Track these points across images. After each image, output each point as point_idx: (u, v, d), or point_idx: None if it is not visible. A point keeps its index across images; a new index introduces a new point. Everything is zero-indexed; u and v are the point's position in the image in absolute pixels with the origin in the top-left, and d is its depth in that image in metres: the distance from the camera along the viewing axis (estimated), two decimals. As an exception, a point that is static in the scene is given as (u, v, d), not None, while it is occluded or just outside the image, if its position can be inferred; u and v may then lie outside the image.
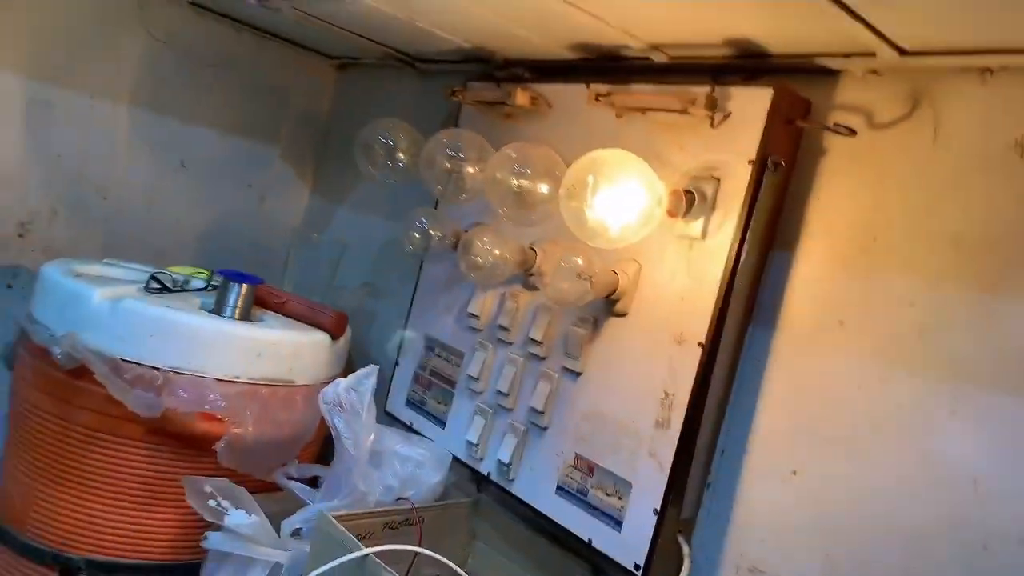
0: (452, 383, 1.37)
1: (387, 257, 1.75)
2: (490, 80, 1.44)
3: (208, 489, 1.09)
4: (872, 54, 0.89)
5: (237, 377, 1.25)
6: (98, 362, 1.17)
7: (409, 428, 1.43)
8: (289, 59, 1.91)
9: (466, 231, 1.34)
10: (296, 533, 1.13)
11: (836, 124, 0.92)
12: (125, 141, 1.72)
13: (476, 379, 1.30)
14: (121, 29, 1.67)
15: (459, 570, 1.13)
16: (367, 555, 0.98)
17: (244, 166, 1.90)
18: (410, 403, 1.45)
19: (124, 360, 1.20)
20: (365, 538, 1.07)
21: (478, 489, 1.36)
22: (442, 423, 1.37)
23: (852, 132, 0.92)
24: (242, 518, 1.06)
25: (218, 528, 1.08)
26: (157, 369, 1.20)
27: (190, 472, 1.25)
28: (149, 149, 1.76)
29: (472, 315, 1.34)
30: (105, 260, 1.52)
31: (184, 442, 1.22)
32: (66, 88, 1.62)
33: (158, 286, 1.35)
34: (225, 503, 1.08)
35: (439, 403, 1.39)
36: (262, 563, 1.07)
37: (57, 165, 1.64)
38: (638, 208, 0.92)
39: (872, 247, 0.91)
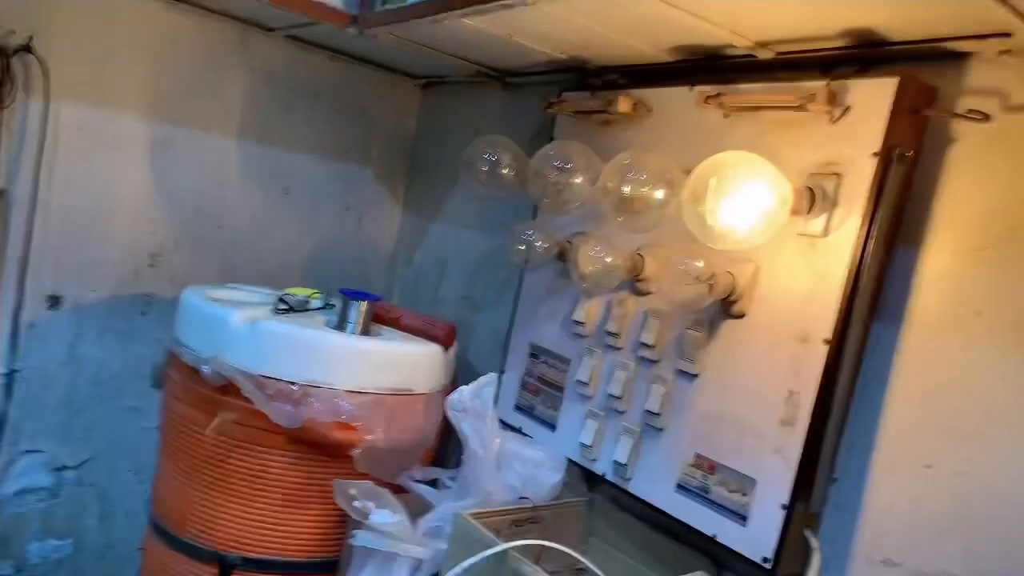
0: (560, 388, 1.39)
1: (483, 270, 1.78)
2: (584, 89, 1.44)
3: (353, 491, 1.13)
4: (1007, 34, 0.85)
5: (365, 388, 1.30)
6: (243, 379, 1.23)
7: (519, 432, 1.45)
8: (377, 82, 1.97)
9: (569, 241, 1.35)
10: (431, 531, 1.17)
11: (969, 110, 0.89)
12: (235, 173, 1.81)
13: (586, 384, 1.31)
14: (227, 67, 1.75)
15: (588, 563, 1.15)
16: (506, 549, 1.00)
17: (342, 189, 1.97)
18: (519, 408, 1.48)
19: (264, 376, 1.27)
20: (496, 535, 1.10)
21: (589, 489, 1.37)
22: (552, 427, 1.39)
23: (986, 117, 0.89)
24: (387, 517, 1.11)
25: (363, 527, 1.13)
26: (294, 384, 1.26)
27: (327, 477, 1.31)
28: (256, 179, 1.84)
29: (578, 322, 1.35)
30: (228, 284, 1.60)
31: (321, 449, 1.28)
32: (183, 126, 1.72)
33: (285, 307, 1.41)
34: (369, 503, 1.12)
35: (548, 408, 1.41)
36: (405, 559, 1.11)
37: (179, 199, 1.74)
38: (764, 209, 0.91)
39: (1010, 236, 0.88)
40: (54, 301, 1.63)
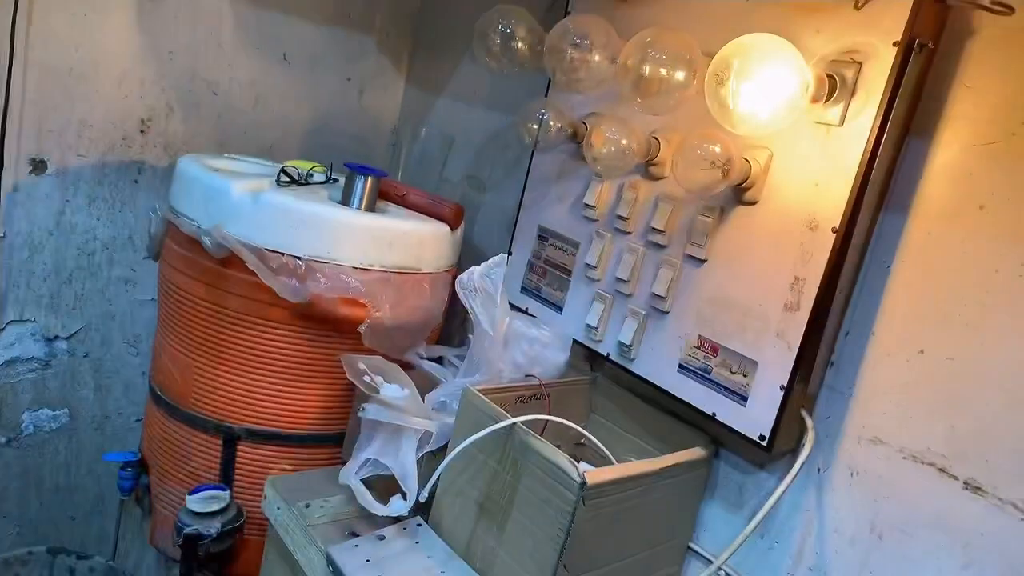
0: (568, 271, 1.48)
1: (491, 148, 1.84)
2: (604, -39, 1.46)
3: (363, 365, 1.24)
4: (1037, -74, 0.90)
5: (371, 265, 1.39)
6: (247, 252, 1.31)
7: (525, 312, 1.56)
8: (382, -58, 1.95)
9: (583, 122, 1.41)
10: (440, 406, 1.30)
11: (994, 1, 0.95)
12: (231, 35, 1.81)
13: (594, 267, 1.41)
14: (219, -83, 1.73)
15: (590, 436, 1.29)
16: (514, 423, 1.13)
17: (343, 58, 1.98)
18: (525, 290, 1.58)
19: (268, 250, 1.35)
20: (503, 410, 1.22)
21: (592, 368, 1.50)
22: (559, 308, 1.50)
23: (1009, 10, 0.95)
24: (396, 391, 1.22)
25: (372, 400, 1.24)
26: (299, 258, 1.35)
27: (331, 352, 1.42)
28: (253, 43, 1.85)
29: (588, 205, 1.43)
30: (226, 154, 1.65)
31: (327, 325, 1.38)
32: (172, -19, 1.71)
33: (287, 179, 1.47)
34: (378, 378, 1.23)
35: (555, 290, 1.51)
36: (413, 432, 1.24)
37: (171, 62, 1.75)
38: (787, 95, 0.98)
39: (1021, 131, 0.96)
40: (38, 165, 1.68)
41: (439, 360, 1.46)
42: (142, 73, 1.72)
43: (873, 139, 1.04)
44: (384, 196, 1.56)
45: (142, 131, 1.76)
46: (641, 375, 1.33)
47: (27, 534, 1.87)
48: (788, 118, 0.98)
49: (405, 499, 1.24)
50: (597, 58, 1.25)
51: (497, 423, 1.14)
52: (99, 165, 1.74)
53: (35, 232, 1.71)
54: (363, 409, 1.24)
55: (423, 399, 1.31)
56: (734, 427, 1.19)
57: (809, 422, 1.15)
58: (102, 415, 1.91)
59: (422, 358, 1.42)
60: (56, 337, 1.81)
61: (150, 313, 1.88)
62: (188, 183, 1.46)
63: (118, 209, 1.79)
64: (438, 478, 1.20)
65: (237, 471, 1.47)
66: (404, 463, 1.26)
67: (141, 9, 1.69)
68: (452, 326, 1.71)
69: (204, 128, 1.83)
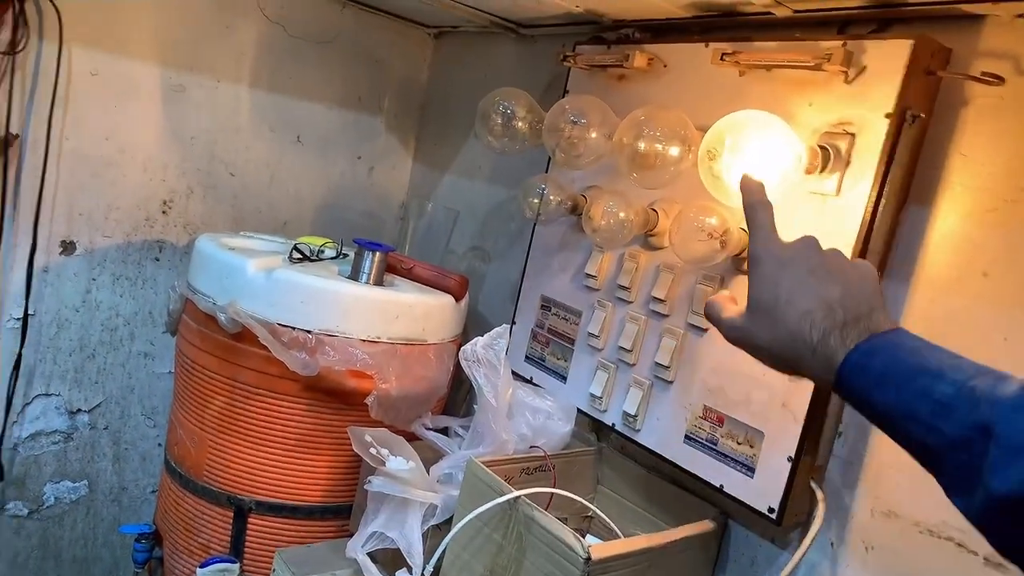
0: (571, 340, 1.42)
1: (494, 221, 1.80)
2: (599, 42, 1.44)
3: (369, 438, 1.17)
4: None
5: (378, 337, 1.33)
6: (259, 327, 1.26)
7: (530, 382, 1.49)
8: (388, 30, 1.95)
9: (583, 195, 1.36)
10: (445, 478, 1.22)
11: (982, 73, 0.90)
12: (247, 120, 1.81)
13: (596, 336, 1.34)
14: (238, 14, 1.74)
15: (596, 510, 1.20)
16: (519, 496, 1.05)
17: (353, 138, 1.97)
18: (529, 359, 1.51)
19: (280, 324, 1.29)
20: (507, 482, 1.14)
21: (598, 438, 1.41)
22: (563, 377, 1.42)
23: (999, 80, 0.90)
24: (401, 464, 1.14)
25: (378, 473, 1.17)
26: (309, 332, 1.29)
27: (340, 424, 1.35)
28: (268, 126, 1.84)
29: (589, 275, 1.37)
30: (242, 232, 1.62)
31: (336, 397, 1.32)
32: (195, 73, 1.71)
33: (299, 256, 1.43)
34: (384, 451, 1.16)
35: (558, 359, 1.44)
36: (418, 504, 1.16)
37: (191, 146, 1.74)
38: (779, 168, 0.92)
39: (1018, 198, 0.90)
40: (67, 246, 1.65)
41: (444, 431, 1.38)
42: (166, 158, 1.71)
43: (871, 208, 0.98)
44: (392, 270, 1.51)
45: (164, 212, 1.74)
46: (647, 446, 1.24)
47: (44, 606, 1.78)
48: (781, 190, 0.92)
49: (411, 573, 1.15)
50: (594, 135, 1.22)
51: (501, 496, 1.05)
52: (124, 245, 1.71)
53: (63, 310, 1.68)
54: (369, 482, 1.16)
55: (428, 471, 1.23)
56: (742, 499, 1.09)
57: (819, 494, 1.05)
58: (119, 486, 1.84)
59: (427, 429, 1.35)
60: (79, 410, 1.75)
61: (167, 385, 1.82)
62: (205, 261, 1.42)
63: (139, 286, 1.75)
64: (443, 552, 1.12)
65: (247, 543, 1.39)
66: (410, 536, 1.17)
67: (166, 98, 1.68)
68: (457, 396, 1.64)
69: (221, 207, 1.81)
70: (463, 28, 1.89)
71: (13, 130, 1.53)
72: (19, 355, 1.63)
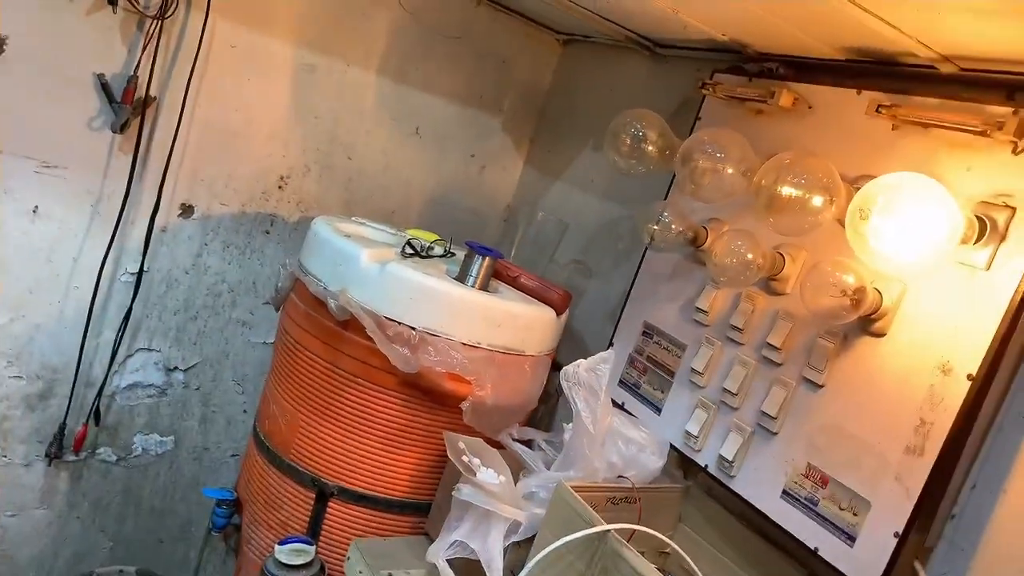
0: (671, 372, 1.43)
1: (601, 237, 1.83)
2: (739, 72, 1.45)
3: (462, 445, 1.22)
4: None
5: (479, 343, 1.38)
6: (368, 318, 1.33)
7: (622, 407, 1.51)
8: (518, 32, 2.01)
9: (704, 227, 1.38)
10: (530, 495, 1.26)
11: None
12: (371, 107, 1.89)
13: (700, 373, 1.36)
14: (375, 2, 1.82)
15: (680, 551, 1.21)
16: (609, 531, 1.08)
17: (469, 136, 2.04)
18: (623, 383, 1.53)
19: (387, 318, 1.36)
20: (593, 509, 1.17)
21: (685, 476, 1.43)
22: (658, 409, 1.44)
23: None
24: (492, 477, 1.19)
25: (467, 481, 1.22)
26: (414, 329, 1.35)
27: (431, 423, 1.41)
28: (390, 115, 1.92)
29: (700, 310, 1.39)
30: (354, 218, 1.70)
31: (432, 397, 1.37)
32: (327, 55, 1.80)
33: (411, 251, 1.50)
34: (475, 460, 1.21)
35: (655, 389, 1.46)
36: (503, 519, 1.20)
37: (314, 126, 1.84)
38: (933, 238, 0.92)
39: None
40: (186, 209, 1.77)
41: (529, 443, 1.42)
42: (288, 134, 1.81)
43: (1022, 288, 0.97)
44: (498, 276, 1.56)
45: (280, 187, 1.84)
46: (740, 493, 1.25)
47: (118, 550, 1.92)
48: (933, 262, 0.92)
49: (487, 586, 1.20)
50: (731, 171, 1.23)
51: (591, 527, 1.09)
52: (238, 214, 1.82)
53: (174, 270, 1.80)
54: (458, 490, 1.21)
55: (516, 486, 1.27)
56: (838, 567, 1.09)
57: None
58: (203, 446, 1.96)
59: (514, 439, 1.39)
60: (175, 368, 1.87)
61: (260, 355, 1.93)
62: (320, 244, 1.50)
63: (248, 256, 1.86)
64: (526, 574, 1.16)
65: (325, 527, 1.47)
66: (491, 550, 1.22)
67: (296, 77, 1.78)
68: (542, 409, 1.68)
69: (335, 189, 1.90)
70: (594, 39, 1.92)
71: (152, 93, 1.65)
72: (129, 308, 1.75)
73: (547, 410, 1.75)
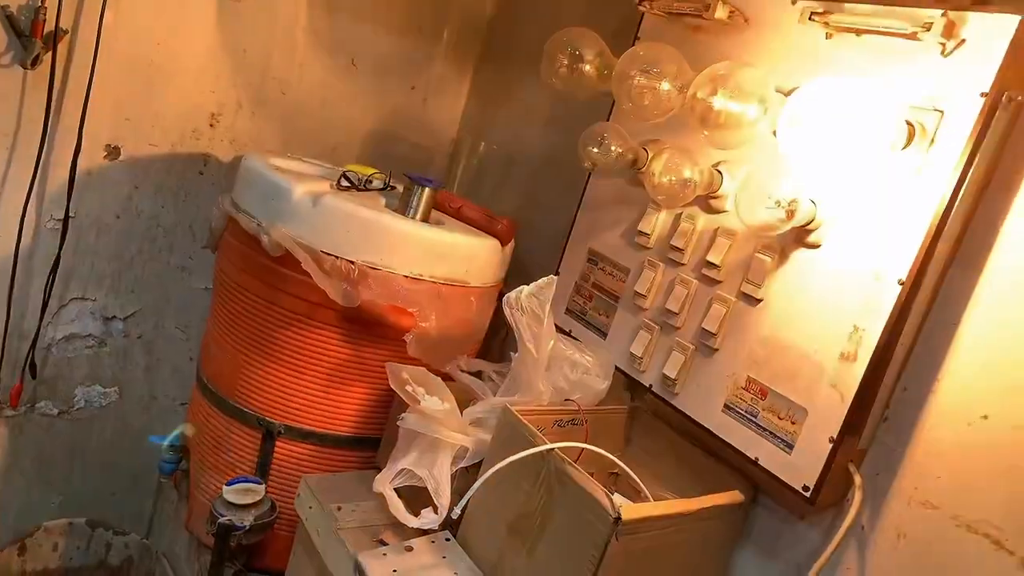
0: (616, 297, 1.44)
1: (548, 167, 1.80)
2: (677, -11, 1.42)
3: (405, 375, 1.22)
4: None
5: (422, 275, 1.37)
6: (302, 252, 1.30)
7: (568, 335, 1.51)
8: (456, -44, 1.93)
9: (645, 148, 1.36)
10: (477, 421, 1.26)
11: (1093, 61, 0.88)
12: (303, 39, 1.82)
13: (644, 296, 1.36)
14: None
15: (623, 466, 1.24)
16: (552, 449, 1.09)
17: (409, 67, 1.97)
18: (570, 312, 1.53)
19: (324, 252, 1.33)
20: (540, 432, 1.18)
21: (632, 397, 1.45)
22: (603, 334, 1.45)
23: (1110, 71, 0.88)
24: (436, 404, 1.19)
25: (412, 410, 1.22)
26: (352, 263, 1.33)
27: (375, 357, 1.40)
28: (323, 47, 1.85)
29: (642, 233, 1.38)
30: (290, 154, 1.65)
31: (374, 331, 1.36)
32: (253, -17, 1.72)
33: (347, 184, 1.46)
34: (420, 389, 1.21)
35: (600, 315, 1.47)
36: (449, 446, 1.21)
37: (243, 60, 1.76)
38: (864, 143, 0.92)
39: (1115, 197, 0.89)
40: (112, 151, 1.70)
41: (478, 374, 1.42)
42: (217, 69, 1.74)
43: (950, 192, 0.98)
44: (440, 207, 1.53)
45: (211, 125, 1.77)
46: (684, 411, 1.27)
47: (68, 505, 1.89)
48: (864, 167, 0.92)
49: (436, 513, 1.21)
50: (666, 87, 1.21)
51: (535, 447, 1.10)
52: (168, 155, 1.75)
53: (103, 215, 1.73)
54: (402, 419, 1.21)
55: (461, 413, 1.28)
56: (778, 475, 1.12)
57: (857, 478, 1.08)
58: (149, 395, 1.93)
59: (462, 371, 1.39)
60: (113, 317, 1.82)
61: (202, 301, 1.89)
62: (252, 180, 1.46)
63: (182, 198, 1.80)
64: (471, 496, 1.17)
65: (273, 467, 1.46)
66: (438, 477, 1.22)
67: (222, 7, 1.70)
68: (492, 341, 1.67)
69: (271, 126, 1.84)
70: (534, -40, 1.87)
71: (64, 25, 1.56)
72: (57, 257, 1.69)
73: (498, 342, 1.75)
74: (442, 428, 1.19)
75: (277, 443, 1.45)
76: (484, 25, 2.04)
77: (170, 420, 1.96)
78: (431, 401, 1.19)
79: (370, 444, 1.47)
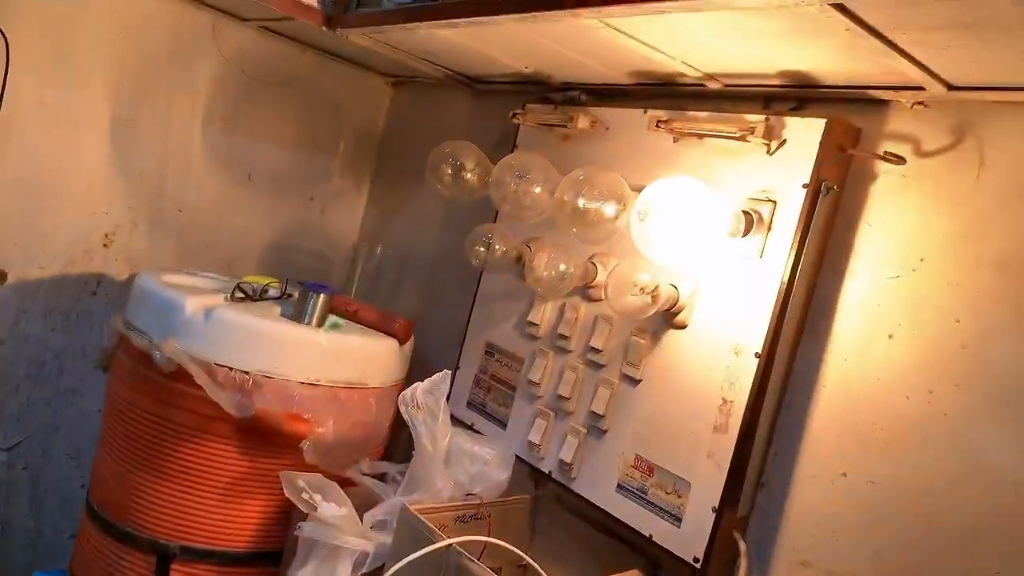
0: (512, 387, 1.47)
1: (443, 267, 1.86)
2: (547, 102, 1.54)
3: (301, 483, 1.19)
4: (921, 88, 0.97)
5: (318, 380, 1.36)
6: (194, 366, 1.28)
7: (471, 428, 1.52)
8: (347, 77, 2.03)
9: (527, 245, 1.44)
10: (378, 524, 1.24)
11: (886, 153, 1.01)
12: (199, 157, 1.84)
13: (537, 384, 1.40)
14: (196, 52, 1.79)
15: (529, 560, 1.23)
16: (450, 544, 1.08)
17: (306, 179, 2.02)
18: (471, 404, 1.55)
19: (217, 364, 1.31)
20: (441, 530, 1.17)
21: (536, 486, 1.45)
22: (503, 424, 1.47)
23: (901, 160, 1.01)
24: (333, 510, 1.16)
25: (310, 518, 1.18)
26: (247, 373, 1.31)
27: (273, 467, 1.36)
28: (219, 164, 1.88)
29: (532, 323, 1.44)
30: (186, 270, 1.64)
31: (271, 440, 1.33)
32: (148, 107, 1.75)
33: (241, 295, 1.46)
34: (316, 496, 1.18)
35: (500, 405, 1.49)
36: (350, 552, 1.18)
37: (139, 180, 1.77)
38: (704, 232, 1.01)
39: (920, 267, 1.00)
40: (-1, 277, 1.64)
41: (382, 476, 1.40)
42: (110, 190, 1.73)
43: (789, 271, 1.08)
44: (336, 312, 1.55)
45: (105, 245, 1.75)
46: (581, 494, 1.29)
47: (-58, 660, 1.70)
48: (704, 253, 1.01)
49: (339, 623, 1.16)
50: (538, 190, 1.30)
51: (432, 544, 1.08)
52: (59, 277, 1.71)
53: (-12, 341, 1.66)
54: (299, 528, 1.18)
55: (362, 517, 1.25)
56: (670, 549, 1.15)
57: (742, 545, 1.12)
58: (35, 529, 1.79)
59: (364, 474, 1.37)
60: (-4, 449, 1.71)
61: (95, 425, 1.79)
62: (144, 297, 1.44)
63: (73, 320, 1.74)
64: (372, 602, 1.13)
65: (169, 592, 1.37)
66: (339, 585, 1.18)
67: (115, 131, 1.71)
68: (399, 441, 1.66)
69: (167, 243, 1.83)
70: (420, 79, 1.98)
71: (-50, 156, 1.54)
72: (-62, 388, 1.60)
73: (405, 442, 1.73)
74: (341, 534, 1.17)
75: (173, 567, 1.37)
76: (378, 137, 2.13)
77: (58, 555, 1.82)
78: (328, 507, 1.17)
79: (272, 558, 1.41)
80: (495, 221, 1.58)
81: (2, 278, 1.65)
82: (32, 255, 1.67)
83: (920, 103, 1.02)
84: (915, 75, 0.94)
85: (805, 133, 1.08)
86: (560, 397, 1.35)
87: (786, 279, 1.07)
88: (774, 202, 1.10)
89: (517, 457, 1.40)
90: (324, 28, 1.53)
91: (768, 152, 1.10)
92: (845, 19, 0.80)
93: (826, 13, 0.80)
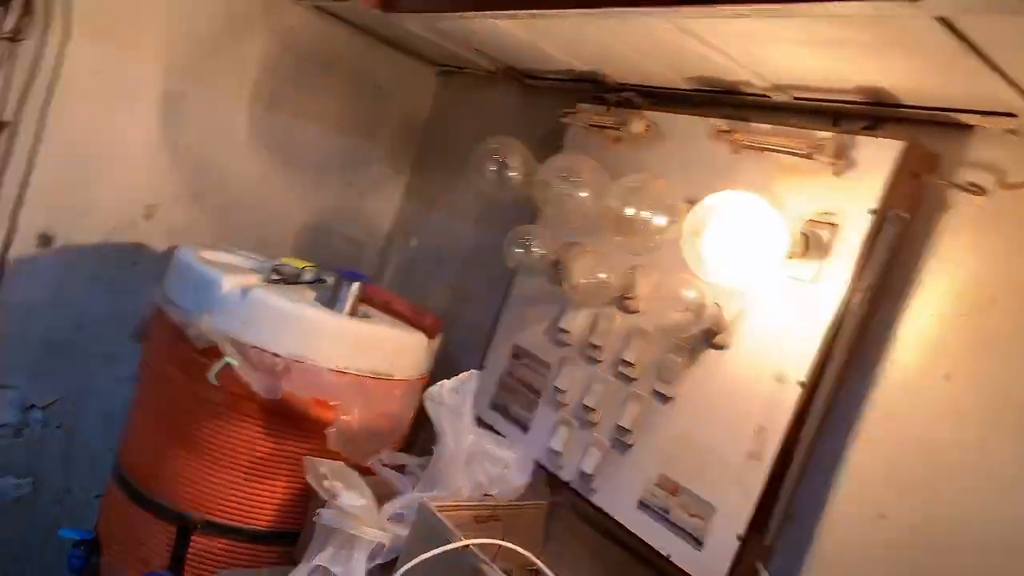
0: (538, 392, 1.42)
1: (475, 263, 1.81)
2: (599, 102, 1.47)
3: (324, 470, 1.17)
4: (1013, 114, 0.89)
5: (347, 368, 1.33)
6: (228, 345, 1.26)
7: (491, 429, 1.48)
8: (395, 64, 1.98)
9: (566, 250, 1.38)
10: (395, 517, 1.21)
11: (968, 183, 0.93)
12: (243, 135, 1.82)
13: (563, 392, 1.35)
14: (248, 28, 1.76)
15: (542, 565, 1.19)
16: (467, 546, 1.04)
17: (346, 165, 1.98)
18: (494, 406, 1.51)
19: (249, 345, 1.29)
20: (458, 528, 1.14)
21: (552, 492, 1.41)
22: (524, 428, 1.42)
23: (981, 191, 0.93)
24: (354, 499, 1.14)
25: (329, 506, 1.16)
26: (278, 356, 1.29)
27: (297, 450, 1.34)
28: (263, 143, 1.85)
29: (563, 330, 1.38)
30: (223, 247, 1.62)
31: (297, 424, 1.30)
32: (198, 83, 1.72)
33: (278, 277, 1.43)
34: (338, 484, 1.15)
35: (523, 409, 1.44)
36: (366, 542, 1.15)
37: (184, 155, 1.75)
38: (760, 252, 0.95)
39: (989, 308, 0.92)
40: (45, 240, 1.64)
41: (401, 468, 1.37)
42: (155, 162, 1.71)
43: (845, 299, 1.01)
44: (370, 302, 1.52)
45: (146, 216, 1.74)
46: (600, 507, 1.24)
47: (-31, 605, 1.73)
48: (759, 274, 0.95)
49: (350, 613, 1.14)
50: (584, 195, 1.24)
51: (448, 544, 1.05)
52: (102, 245, 1.70)
53: (32, 302, 1.65)
54: (319, 515, 1.15)
55: (380, 508, 1.22)
56: (689, 572, 1.09)
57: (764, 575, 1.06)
58: (65, 487, 1.79)
59: (384, 464, 1.34)
60: (32, 406, 1.72)
61: (127, 391, 1.79)
62: (182, 272, 1.42)
63: (113, 288, 1.74)
64: (385, 598, 1.10)
65: (188, 562, 1.36)
66: (353, 573, 1.16)
67: (165, 104, 1.70)
68: (418, 434, 1.63)
69: (208, 218, 1.81)
70: (469, 70, 1.93)
71: (7, 117, 1.53)
72: (-19, 342, 1.60)
73: (423, 435, 1.70)
74: (359, 524, 1.14)
75: (193, 538, 1.35)
76: (421, 126, 2.08)
77: (85, 514, 1.82)
78: (348, 496, 1.14)
79: (289, 538, 1.38)
80: (533, 222, 1.53)
81: (47, 242, 1.65)
82: (78, 221, 1.66)
83: (1011, 131, 0.93)
84: (1009, 99, 0.86)
85: (878, 155, 1.00)
86: (586, 407, 1.30)
87: (841, 307, 1.00)
88: (835, 226, 1.03)
89: (536, 462, 1.36)
90: (380, 11, 1.49)
91: (835, 172, 1.03)
92: (947, 33, 0.72)
93: (926, 26, 0.72)
